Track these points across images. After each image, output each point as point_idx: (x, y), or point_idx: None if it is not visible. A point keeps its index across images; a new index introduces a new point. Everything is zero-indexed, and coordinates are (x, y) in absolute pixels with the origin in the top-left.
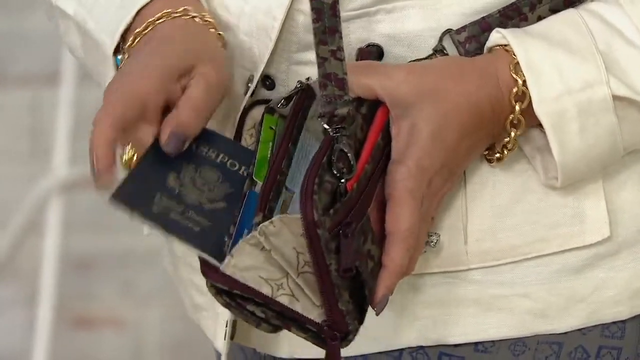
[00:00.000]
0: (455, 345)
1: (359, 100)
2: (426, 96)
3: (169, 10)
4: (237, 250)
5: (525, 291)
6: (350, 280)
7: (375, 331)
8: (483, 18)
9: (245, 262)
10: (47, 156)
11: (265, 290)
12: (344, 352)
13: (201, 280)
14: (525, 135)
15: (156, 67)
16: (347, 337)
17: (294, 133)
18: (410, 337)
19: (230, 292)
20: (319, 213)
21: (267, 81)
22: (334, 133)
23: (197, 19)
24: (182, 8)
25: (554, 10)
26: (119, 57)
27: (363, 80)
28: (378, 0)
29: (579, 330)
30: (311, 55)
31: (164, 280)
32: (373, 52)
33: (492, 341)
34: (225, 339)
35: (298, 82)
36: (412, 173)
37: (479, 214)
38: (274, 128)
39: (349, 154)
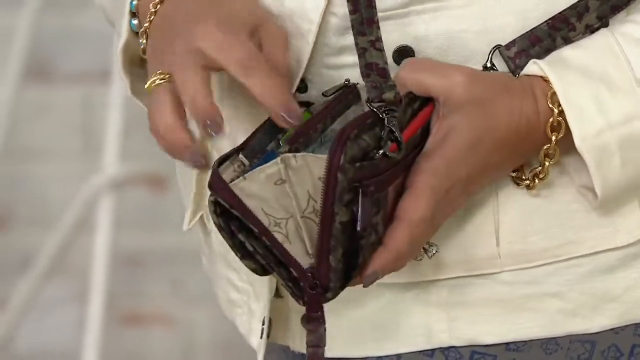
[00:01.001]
0: (488, 345)
1: (411, 98)
2: (476, 104)
3: None
4: (251, 175)
5: (557, 291)
6: (348, 240)
7: (408, 332)
8: (531, 31)
9: (252, 189)
10: (98, 154)
11: (264, 221)
12: (380, 351)
13: (236, 277)
14: (564, 156)
15: (237, 27)
16: (325, 293)
17: (330, 116)
18: (443, 338)
19: (226, 216)
20: (346, 159)
21: (301, 84)
22: (385, 114)
23: None
24: None
25: (601, 18)
26: (134, 2)
27: (419, 77)
28: (409, 1)
29: (612, 329)
30: (343, 59)
31: None
32: (407, 55)
33: (524, 340)
34: (262, 337)
35: (346, 80)
36: (438, 170)
37: (510, 217)
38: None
39: (397, 135)
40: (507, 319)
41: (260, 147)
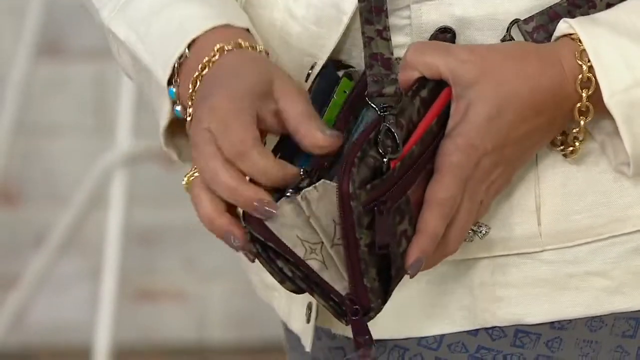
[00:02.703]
0: (532, 324)
1: (420, 83)
2: (487, 77)
3: (222, 44)
4: (279, 206)
5: (600, 270)
6: (379, 258)
7: (452, 312)
8: (551, 7)
9: (285, 220)
10: (111, 130)
11: (299, 250)
12: (423, 332)
13: None
14: (593, 123)
15: (242, 93)
16: (368, 313)
17: (358, 105)
18: (487, 318)
19: (264, 243)
20: (355, 186)
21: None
22: (382, 112)
23: (249, 50)
24: (234, 42)
25: None
26: (172, 88)
27: (427, 59)
28: None
29: None
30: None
31: (227, 255)
32: (446, 36)
33: (569, 319)
34: (308, 322)
35: (346, 71)
36: (459, 149)
37: (552, 196)
38: (347, 92)
39: (395, 134)
40: (551, 299)
41: (292, 153)
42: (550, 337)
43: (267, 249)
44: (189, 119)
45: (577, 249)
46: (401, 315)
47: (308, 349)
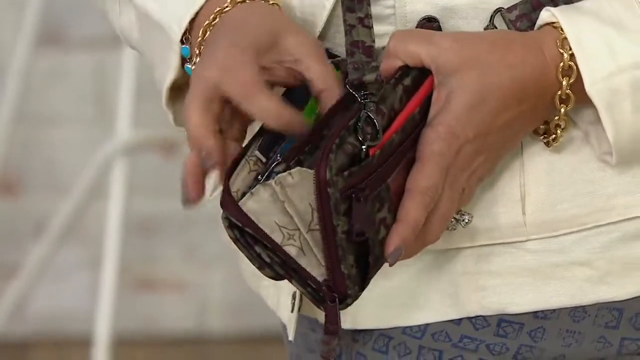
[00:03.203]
0: (516, 314)
1: (404, 71)
2: (469, 65)
3: None
4: (257, 191)
5: (585, 259)
6: (356, 245)
7: (436, 302)
8: None
9: (262, 205)
10: (111, 120)
11: (276, 236)
12: (407, 321)
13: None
14: (577, 112)
15: (246, 44)
16: (345, 300)
17: (346, 97)
18: (471, 307)
19: (241, 229)
20: (333, 172)
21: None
22: (362, 99)
23: (262, 2)
24: None
25: None
26: (186, 46)
27: (409, 47)
28: None
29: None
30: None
31: (227, 243)
32: (432, 26)
33: (553, 309)
34: (292, 311)
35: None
36: (440, 137)
37: (537, 185)
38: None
39: (375, 121)
40: (535, 288)
41: (275, 138)
42: (533, 327)
43: (245, 234)
44: (194, 67)
45: (562, 239)
46: (386, 305)
47: (291, 338)
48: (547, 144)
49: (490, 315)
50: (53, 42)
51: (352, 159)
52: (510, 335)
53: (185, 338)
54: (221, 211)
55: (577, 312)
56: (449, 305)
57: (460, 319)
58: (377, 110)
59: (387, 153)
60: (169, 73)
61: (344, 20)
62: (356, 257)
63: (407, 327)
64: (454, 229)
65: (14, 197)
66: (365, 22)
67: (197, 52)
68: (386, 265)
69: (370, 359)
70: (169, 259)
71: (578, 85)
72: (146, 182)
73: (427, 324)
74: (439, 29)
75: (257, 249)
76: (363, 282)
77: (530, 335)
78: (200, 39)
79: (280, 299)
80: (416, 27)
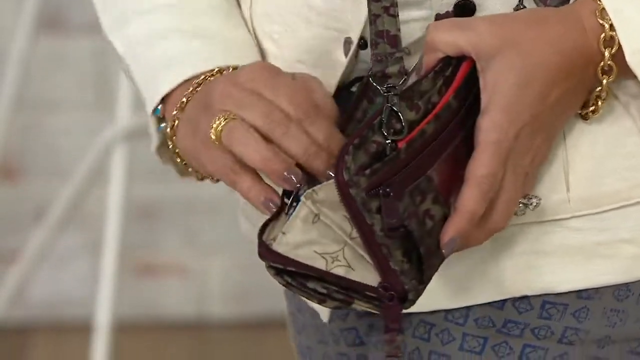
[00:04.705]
0: (560, 293)
1: (445, 63)
2: (510, 45)
3: (206, 76)
4: (289, 226)
5: (629, 237)
6: (402, 240)
7: (480, 283)
8: None
9: (297, 238)
10: (111, 105)
11: (319, 263)
12: (452, 304)
13: None
14: (618, 84)
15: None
16: (406, 296)
17: (364, 101)
18: (516, 287)
19: (290, 271)
20: (351, 173)
21: (361, 41)
22: (385, 92)
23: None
24: (213, 69)
25: None
26: (162, 125)
27: (447, 37)
28: None
29: None
30: (408, 14)
31: (228, 228)
32: (467, 7)
33: (596, 288)
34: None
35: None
36: (496, 123)
37: (580, 161)
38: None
39: (400, 113)
40: (581, 267)
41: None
42: (577, 308)
43: (294, 276)
44: (174, 127)
45: (605, 215)
46: (427, 289)
47: (326, 319)
48: (586, 116)
49: (534, 297)
50: (53, 27)
51: (374, 156)
52: (554, 317)
53: (186, 323)
54: (225, 199)
55: (621, 291)
56: (494, 286)
57: (504, 303)
58: (411, 105)
59: (420, 145)
60: (153, 142)
61: (369, 10)
62: (404, 252)
63: (449, 312)
64: (523, 213)
65: (14, 182)
66: (391, 10)
67: (175, 117)
68: None
69: (411, 346)
70: (169, 245)
71: (620, 55)
72: (147, 168)
73: (469, 309)
74: (474, 11)
75: (311, 284)
76: (421, 275)
77: (574, 316)
78: (176, 112)
79: None
80: (452, 10)
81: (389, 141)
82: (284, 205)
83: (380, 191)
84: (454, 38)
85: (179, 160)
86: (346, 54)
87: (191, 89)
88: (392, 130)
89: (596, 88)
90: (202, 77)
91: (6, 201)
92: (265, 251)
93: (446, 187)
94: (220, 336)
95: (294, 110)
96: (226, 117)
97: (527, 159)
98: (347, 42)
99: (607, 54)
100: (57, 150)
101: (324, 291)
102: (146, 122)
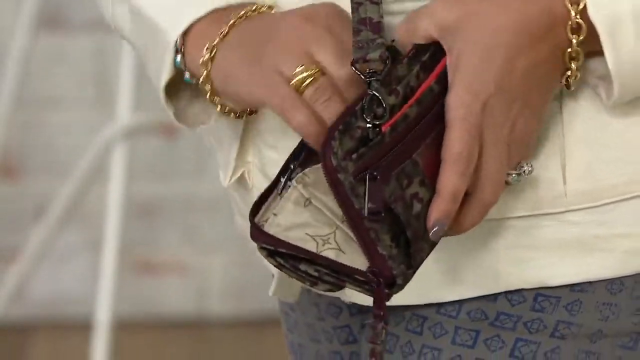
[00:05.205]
0: (554, 287)
1: (419, 49)
2: (466, 20)
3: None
4: (280, 208)
5: (626, 231)
6: (389, 224)
7: (474, 276)
8: None
9: (288, 220)
10: (111, 103)
11: (310, 245)
12: (445, 297)
13: None
14: (587, 67)
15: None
16: (394, 281)
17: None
18: (510, 281)
19: (282, 253)
20: (339, 158)
21: None
22: (367, 78)
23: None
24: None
25: None
26: (178, 58)
27: (409, 25)
28: None
29: None
30: (405, 5)
31: (227, 226)
32: None
33: (590, 281)
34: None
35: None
36: (461, 98)
37: (577, 154)
38: None
39: (381, 98)
40: (576, 261)
41: (286, 165)
42: (570, 300)
43: (285, 257)
44: (206, 80)
45: (602, 209)
46: (421, 281)
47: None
48: (567, 83)
49: (528, 290)
50: (53, 25)
51: (360, 141)
52: (547, 309)
53: (185, 321)
54: (224, 197)
55: (615, 285)
56: (488, 279)
57: (497, 295)
58: (390, 90)
59: (403, 129)
60: (164, 73)
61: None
62: (393, 236)
63: (442, 305)
64: (518, 182)
65: (14, 180)
66: None
67: (206, 68)
68: None
69: (403, 339)
70: (169, 243)
71: (586, 15)
72: (146, 166)
73: (462, 303)
74: None
75: (302, 267)
76: (410, 259)
77: (567, 309)
78: (217, 41)
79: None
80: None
81: (371, 125)
82: (277, 183)
83: (367, 175)
84: (419, 23)
85: (208, 88)
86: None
87: (234, 19)
88: (373, 115)
89: (566, 48)
90: (242, 11)
91: (6, 199)
92: (257, 232)
93: (433, 170)
94: (219, 334)
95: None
96: (310, 70)
97: (505, 130)
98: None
99: (573, 11)
100: (57, 149)
101: (316, 274)
102: (146, 120)
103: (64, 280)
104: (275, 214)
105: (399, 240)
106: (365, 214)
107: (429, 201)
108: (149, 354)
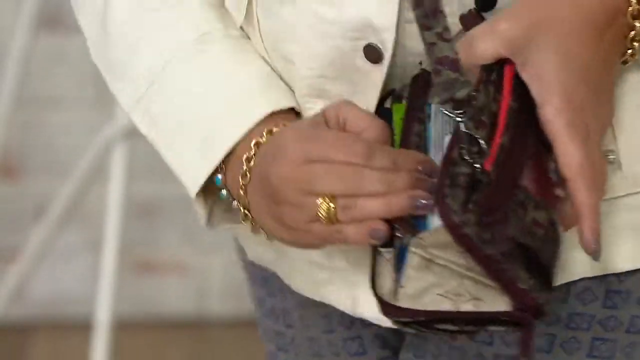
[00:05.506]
0: (621, 280)
1: (486, 71)
2: (536, 30)
3: (257, 139)
4: (405, 278)
5: None
6: (520, 258)
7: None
8: None
9: (417, 287)
10: (111, 103)
11: (446, 305)
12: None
13: (319, 257)
14: None
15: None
16: (542, 311)
17: (414, 124)
18: (577, 270)
19: (413, 322)
20: (459, 213)
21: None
22: (460, 119)
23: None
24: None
25: None
26: (219, 176)
27: (477, 50)
28: None
29: None
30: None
31: None
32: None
33: None
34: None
35: (421, 69)
36: (559, 108)
37: (629, 134)
38: (403, 118)
39: (476, 136)
40: (636, 246)
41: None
42: None
43: (420, 324)
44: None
45: None
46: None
47: (389, 324)
48: (625, 62)
49: (597, 288)
50: (53, 25)
51: (469, 187)
52: (619, 305)
53: (186, 321)
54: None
55: None
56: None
57: (567, 297)
58: (477, 124)
59: (504, 159)
60: (200, 178)
61: (423, 39)
62: (527, 269)
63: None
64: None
65: (14, 180)
66: (445, 35)
67: (242, 191)
68: None
69: (473, 350)
70: (169, 243)
71: None
72: (146, 166)
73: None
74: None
75: (441, 326)
76: (549, 281)
77: (639, 303)
78: (241, 183)
79: (359, 298)
80: (474, 8)
81: (477, 167)
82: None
83: (490, 220)
84: (485, 45)
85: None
86: (374, 61)
87: (258, 139)
88: (475, 155)
89: (629, 33)
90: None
91: (6, 199)
92: (392, 309)
93: (538, 189)
94: (220, 334)
95: (354, 158)
96: (325, 201)
97: (599, 123)
98: (370, 48)
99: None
100: (57, 148)
101: (455, 328)
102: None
103: (64, 280)
104: (402, 286)
105: (533, 270)
106: (499, 258)
107: (549, 221)
108: (149, 354)
